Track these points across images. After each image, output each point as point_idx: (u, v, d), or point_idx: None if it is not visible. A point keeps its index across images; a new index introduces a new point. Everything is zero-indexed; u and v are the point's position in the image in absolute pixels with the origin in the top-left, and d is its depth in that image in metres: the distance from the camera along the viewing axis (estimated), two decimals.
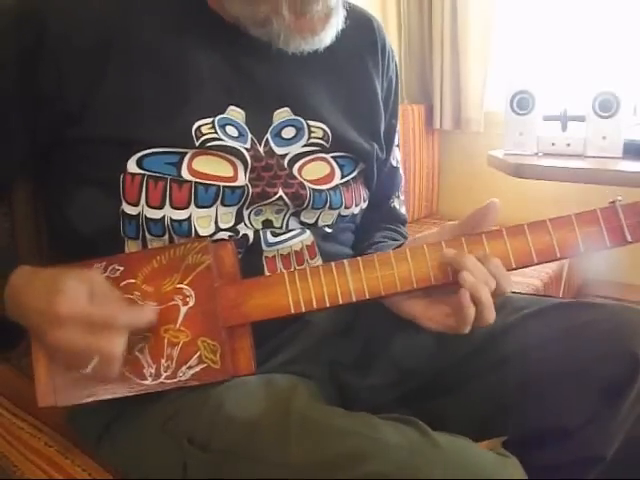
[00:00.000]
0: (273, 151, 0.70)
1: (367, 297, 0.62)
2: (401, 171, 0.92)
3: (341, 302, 0.61)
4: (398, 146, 0.90)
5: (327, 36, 0.68)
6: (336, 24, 0.68)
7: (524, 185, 1.76)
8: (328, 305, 0.61)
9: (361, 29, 0.81)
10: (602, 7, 2.09)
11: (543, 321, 0.69)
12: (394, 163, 0.89)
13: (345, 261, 0.62)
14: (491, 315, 0.60)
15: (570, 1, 2.15)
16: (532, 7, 2.21)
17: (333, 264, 0.62)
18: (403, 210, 0.92)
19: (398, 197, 0.91)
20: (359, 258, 0.62)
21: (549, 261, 0.63)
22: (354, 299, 0.61)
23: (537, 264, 0.63)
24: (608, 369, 0.63)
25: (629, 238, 0.62)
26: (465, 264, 0.60)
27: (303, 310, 0.61)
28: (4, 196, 0.80)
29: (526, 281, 1.71)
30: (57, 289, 0.55)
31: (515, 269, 0.62)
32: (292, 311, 0.61)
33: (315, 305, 0.61)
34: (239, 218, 0.68)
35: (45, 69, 0.63)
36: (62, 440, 0.75)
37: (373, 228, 0.86)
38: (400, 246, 0.75)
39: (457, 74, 2.26)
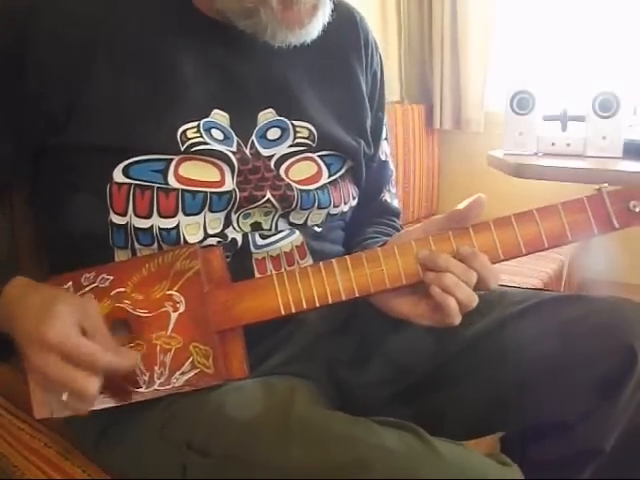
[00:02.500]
0: (259, 153, 0.70)
1: (357, 295, 0.62)
2: (391, 164, 0.91)
3: (331, 301, 0.61)
4: (386, 139, 0.89)
5: (314, 28, 0.68)
6: (323, 16, 0.68)
7: (524, 185, 1.75)
8: (318, 305, 0.61)
9: (343, 24, 0.81)
10: (602, 7, 2.09)
11: (539, 315, 0.69)
12: (383, 157, 0.88)
13: (333, 260, 0.62)
14: (468, 298, 0.60)
15: (570, 1, 2.15)
16: (532, 7, 2.21)
17: (321, 264, 0.62)
18: (395, 203, 0.92)
19: (389, 190, 0.91)
20: (347, 257, 0.62)
21: (538, 251, 0.63)
22: (344, 298, 0.61)
23: (526, 254, 0.62)
24: (605, 362, 0.63)
25: (616, 225, 0.62)
26: (437, 263, 0.60)
27: (293, 311, 0.61)
28: (4, 197, 0.80)
29: (526, 281, 1.71)
30: (49, 314, 0.54)
31: (504, 261, 0.62)
32: (282, 312, 0.61)
33: (305, 306, 0.61)
34: (227, 222, 0.68)
35: (29, 71, 0.63)
36: (62, 441, 0.76)
37: (365, 224, 0.85)
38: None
39: (457, 74, 2.25)
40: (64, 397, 0.54)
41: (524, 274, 1.75)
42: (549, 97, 1.81)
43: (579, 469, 0.66)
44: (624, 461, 0.66)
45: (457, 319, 0.61)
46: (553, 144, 1.67)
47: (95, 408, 0.60)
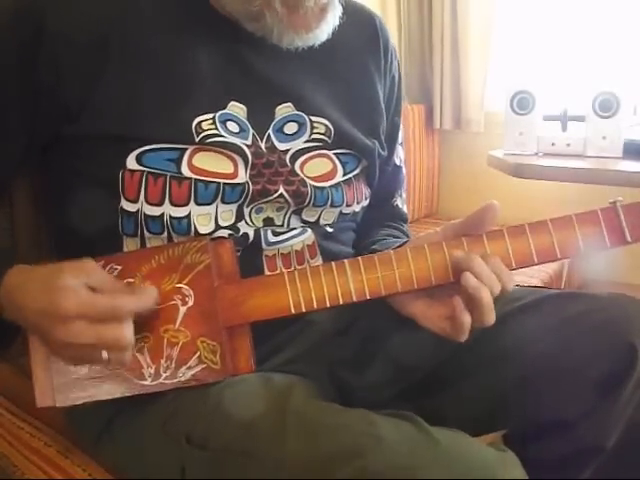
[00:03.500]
0: (275, 147, 0.70)
1: (368, 297, 0.61)
2: (404, 170, 0.92)
3: (341, 302, 0.61)
4: (401, 144, 0.90)
5: (322, 32, 0.68)
6: (332, 20, 0.68)
7: (524, 185, 1.76)
8: (329, 305, 0.61)
9: (363, 27, 0.81)
10: (602, 7, 2.09)
11: (539, 312, 0.69)
12: (397, 162, 0.89)
13: (346, 261, 0.62)
14: (490, 317, 0.60)
15: (570, 1, 2.15)
16: (532, 7, 2.21)
17: (334, 264, 0.62)
18: (405, 209, 0.92)
19: (401, 196, 0.91)
20: (360, 258, 0.62)
21: (549, 261, 0.63)
22: (355, 299, 0.61)
23: (537, 264, 0.62)
24: (605, 360, 0.63)
25: (629, 238, 0.62)
26: (472, 266, 0.59)
27: (303, 310, 0.61)
28: (4, 195, 0.80)
29: (526, 281, 1.71)
30: (56, 286, 0.54)
31: (515, 269, 0.62)
32: (292, 311, 0.61)
33: (316, 305, 0.61)
34: (239, 216, 0.68)
35: (43, 65, 0.63)
36: (62, 440, 0.75)
37: (375, 226, 0.85)
38: (401, 245, 0.74)
39: (457, 74, 2.25)
40: (104, 357, 0.54)
41: (524, 274, 1.75)
42: (549, 97, 1.81)
43: (580, 467, 0.66)
44: (625, 459, 0.66)
45: (463, 337, 0.60)
46: (553, 144, 1.67)
47: (100, 398, 0.60)
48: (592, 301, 0.68)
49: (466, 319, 0.59)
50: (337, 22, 0.69)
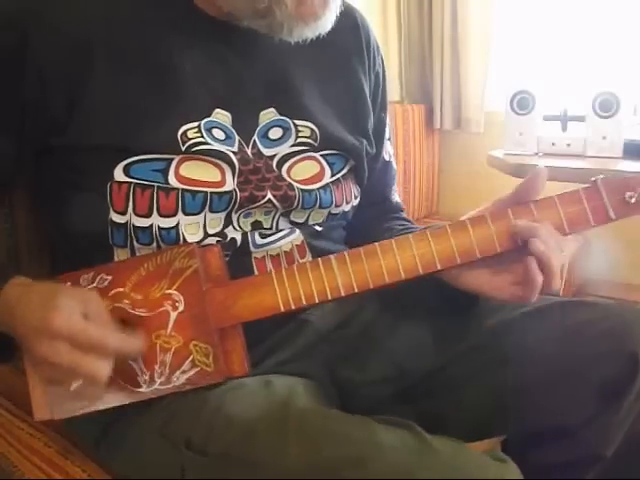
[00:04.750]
0: (261, 152, 0.70)
1: (356, 290, 0.61)
2: (394, 164, 0.92)
3: (330, 297, 0.61)
4: (389, 139, 0.90)
5: (327, 20, 0.68)
6: (334, 8, 0.68)
7: None
8: (317, 301, 0.61)
9: (345, 25, 0.80)
10: (602, 7, 2.09)
11: (542, 319, 0.69)
12: (386, 157, 0.89)
13: (332, 256, 0.62)
14: (558, 282, 0.61)
15: (570, 1, 2.15)
16: (532, 7, 2.21)
17: (320, 260, 0.62)
18: (399, 199, 0.93)
19: (394, 191, 0.91)
20: (345, 252, 0.62)
21: None
22: (342, 293, 0.61)
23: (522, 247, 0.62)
24: (607, 369, 0.63)
25: (613, 216, 0.61)
26: (538, 232, 0.60)
27: (292, 308, 0.61)
28: (4, 198, 0.80)
29: None
30: (53, 304, 0.55)
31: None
32: (282, 309, 0.61)
33: (304, 302, 0.61)
34: (227, 222, 0.68)
35: (28, 74, 0.62)
36: (62, 440, 0.76)
37: (374, 225, 0.85)
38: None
39: (457, 74, 2.25)
40: (74, 385, 0.54)
41: None
42: (549, 97, 1.81)
43: (580, 475, 0.65)
44: (625, 468, 0.66)
45: (534, 297, 0.61)
46: (553, 144, 1.68)
47: (97, 408, 0.60)
48: (595, 310, 0.68)
49: (539, 278, 0.60)
50: (339, 10, 0.69)
